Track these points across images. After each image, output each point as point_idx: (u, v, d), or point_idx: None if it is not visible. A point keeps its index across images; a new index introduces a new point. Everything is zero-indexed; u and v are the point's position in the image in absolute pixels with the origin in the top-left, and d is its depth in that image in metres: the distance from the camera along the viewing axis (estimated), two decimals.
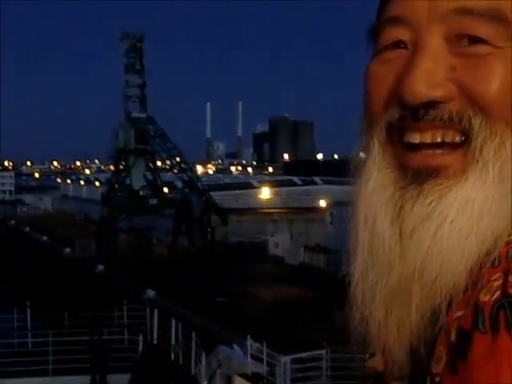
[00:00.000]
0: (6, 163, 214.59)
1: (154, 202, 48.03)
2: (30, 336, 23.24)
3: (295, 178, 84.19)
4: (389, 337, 0.85)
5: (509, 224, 0.79)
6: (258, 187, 73.56)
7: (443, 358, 0.76)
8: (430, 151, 0.80)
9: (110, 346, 20.95)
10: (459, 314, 0.76)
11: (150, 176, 50.03)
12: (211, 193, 53.19)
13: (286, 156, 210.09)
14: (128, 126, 49.25)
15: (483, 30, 0.78)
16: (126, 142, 48.90)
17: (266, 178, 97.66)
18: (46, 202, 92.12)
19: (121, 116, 50.43)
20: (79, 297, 29.29)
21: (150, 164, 50.75)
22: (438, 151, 0.80)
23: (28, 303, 25.14)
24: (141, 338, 22.50)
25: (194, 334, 20.78)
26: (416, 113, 0.80)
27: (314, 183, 77.91)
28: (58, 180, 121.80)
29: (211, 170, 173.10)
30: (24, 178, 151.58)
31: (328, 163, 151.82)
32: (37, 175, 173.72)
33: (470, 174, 0.79)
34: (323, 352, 20.12)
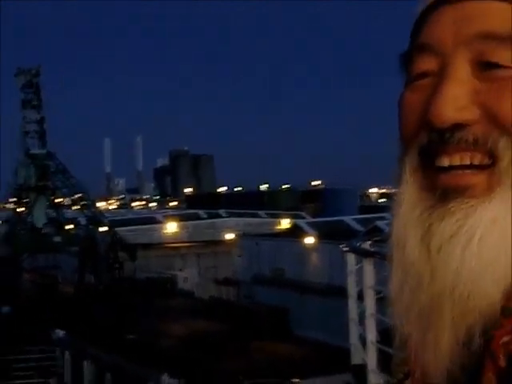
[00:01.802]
0: None
1: (57, 239, 47.28)
2: None
3: (200, 212, 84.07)
4: (426, 358, 0.83)
5: None
6: (163, 222, 73.27)
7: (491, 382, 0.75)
8: (460, 171, 0.81)
9: None
10: (506, 339, 0.75)
11: (52, 213, 49.20)
12: (116, 228, 52.79)
13: (187, 190, 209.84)
14: (27, 162, 48.41)
15: (505, 54, 0.80)
16: (26, 178, 48.10)
17: (171, 212, 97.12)
18: None
19: (20, 153, 49.47)
20: None
21: (52, 201, 49.96)
22: (467, 171, 0.81)
23: None
24: (54, 381, 22.03)
25: (108, 374, 20.47)
26: (443, 136, 0.81)
27: (219, 216, 78.00)
28: None
29: (113, 205, 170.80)
30: None
31: (231, 196, 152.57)
32: None
33: (496, 194, 0.80)
34: None
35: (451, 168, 0.82)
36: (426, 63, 0.85)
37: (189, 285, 45.68)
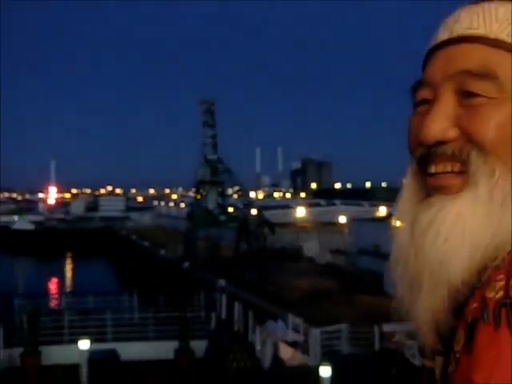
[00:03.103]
0: (118, 190, 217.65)
1: (223, 218, 48.00)
2: (136, 312, 23.41)
3: (321, 201, 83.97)
4: (417, 318, 0.82)
5: (507, 236, 0.76)
6: (294, 207, 73.59)
7: (461, 340, 0.74)
8: (442, 175, 0.81)
9: (191, 320, 20.96)
10: (474, 305, 0.73)
11: (219, 200, 50.13)
12: (262, 211, 53.28)
13: (313, 185, 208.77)
14: (205, 165, 49.40)
15: (479, 86, 0.78)
16: (203, 176, 49.11)
17: (300, 201, 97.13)
18: (146, 218, 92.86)
19: (200, 157, 50.51)
20: (171, 285, 29.47)
21: (220, 191, 50.80)
22: (448, 175, 0.80)
23: (135, 289, 25.39)
24: (213, 315, 22.48)
25: (250, 312, 20.73)
26: (429, 150, 0.81)
27: (334, 204, 77.55)
28: (155, 202, 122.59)
29: (260, 195, 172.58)
30: (130, 200, 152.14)
31: (343, 190, 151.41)
32: (140, 199, 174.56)
33: (464, 192, 0.78)
34: (343, 326, 19.89)
35: (437, 174, 0.81)
36: (425, 94, 0.84)
37: (311, 253, 45.48)
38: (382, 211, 65.56)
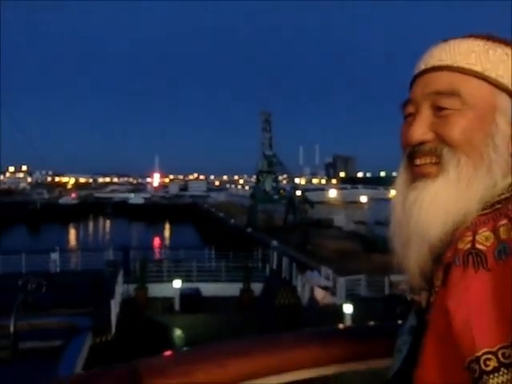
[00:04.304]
0: (201, 176, 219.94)
1: (276, 197, 47.68)
2: (213, 262, 23.72)
3: (347, 186, 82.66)
4: (408, 267, 0.84)
5: (472, 206, 0.78)
6: (328, 190, 72.73)
7: (440, 278, 0.76)
8: (423, 165, 0.82)
9: (252, 269, 21.05)
10: (449, 254, 0.75)
11: (274, 184, 49.86)
12: (304, 193, 52.96)
13: (341, 174, 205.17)
14: (263, 158, 49.09)
15: (448, 102, 0.80)
16: (262, 166, 48.88)
17: (332, 185, 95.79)
18: (222, 197, 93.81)
19: (260, 153, 50.24)
20: (237, 244, 29.66)
21: (274, 178, 50.49)
22: (428, 165, 0.81)
23: (213, 246, 25.72)
24: (267, 265, 22.53)
25: (294, 264, 20.67)
26: (414, 148, 0.82)
27: (357, 188, 76.22)
28: (228, 185, 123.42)
29: (303, 181, 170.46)
30: (210, 184, 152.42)
31: (364, 178, 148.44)
32: (217, 183, 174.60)
33: (439, 177, 0.80)
34: (362, 276, 19.58)
35: (420, 165, 0.82)
36: (410, 109, 0.85)
37: (340, 223, 44.90)
38: (393, 193, 63.81)
